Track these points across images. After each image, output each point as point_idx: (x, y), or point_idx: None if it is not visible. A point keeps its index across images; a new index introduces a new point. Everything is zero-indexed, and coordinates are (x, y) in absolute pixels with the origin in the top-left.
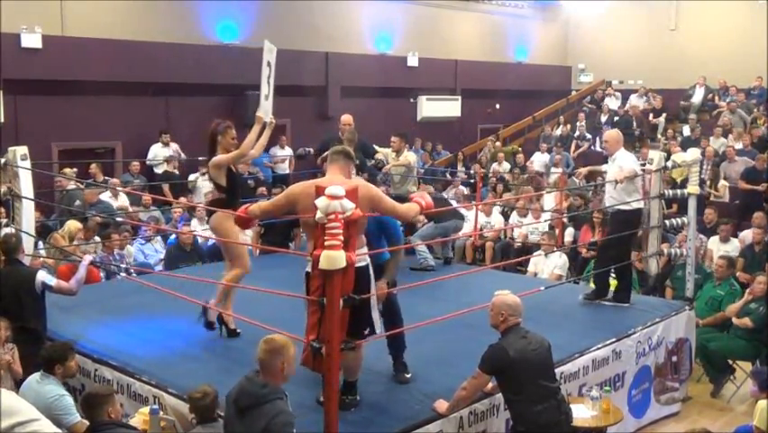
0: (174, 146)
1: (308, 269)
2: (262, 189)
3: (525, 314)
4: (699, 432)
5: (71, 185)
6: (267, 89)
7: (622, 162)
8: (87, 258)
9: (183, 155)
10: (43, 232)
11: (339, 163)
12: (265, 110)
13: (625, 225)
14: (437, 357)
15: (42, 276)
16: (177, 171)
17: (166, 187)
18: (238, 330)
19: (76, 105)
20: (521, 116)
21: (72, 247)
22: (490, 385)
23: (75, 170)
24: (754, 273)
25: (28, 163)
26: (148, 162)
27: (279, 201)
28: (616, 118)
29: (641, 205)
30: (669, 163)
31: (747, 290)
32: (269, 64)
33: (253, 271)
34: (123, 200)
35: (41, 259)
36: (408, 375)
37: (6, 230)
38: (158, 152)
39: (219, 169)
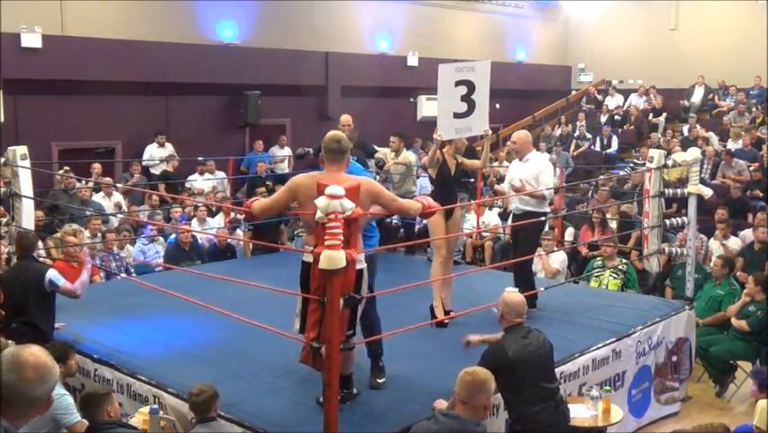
0: (169, 147)
1: (306, 258)
2: (262, 190)
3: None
4: (718, 428)
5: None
6: (464, 108)
7: (536, 166)
8: (88, 263)
9: (176, 156)
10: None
11: (335, 159)
12: (460, 128)
13: (534, 228)
14: (437, 356)
15: (51, 274)
16: (173, 171)
17: (162, 187)
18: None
19: (76, 105)
20: (521, 116)
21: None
22: None
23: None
24: (753, 273)
25: (28, 163)
26: (144, 163)
27: (281, 195)
28: (616, 117)
29: (547, 209)
30: (669, 162)
31: (744, 292)
32: (466, 83)
33: (248, 272)
34: (117, 199)
35: (42, 259)
36: (382, 381)
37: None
38: (153, 152)
39: (430, 168)
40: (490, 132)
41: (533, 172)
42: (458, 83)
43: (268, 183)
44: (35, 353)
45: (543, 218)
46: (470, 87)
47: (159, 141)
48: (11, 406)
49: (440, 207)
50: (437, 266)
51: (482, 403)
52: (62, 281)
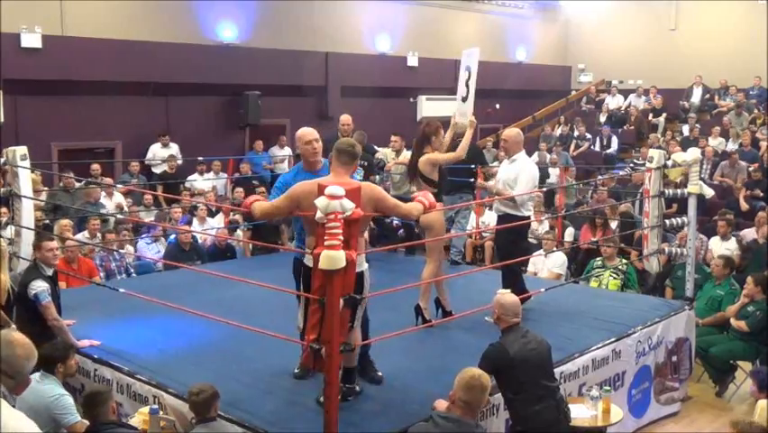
0: (174, 147)
1: (306, 261)
2: (262, 189)
3: (525, 314)
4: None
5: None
6: (465, 92)
7: (522, 167)
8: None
9: (180, 157)
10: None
11: (344, 162)
12: (461, 112)
13: (512, 231)
14: (437, 356)
15: (36, 287)
16: (173, 171)
17: (161, 188)
18: (430, 320)
19: (76, 105)
20: (521, 116)
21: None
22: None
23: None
24: (752, 274)
25: (27, 163)
26: (146, 162)
27: (282, 202)
28: (614, 119)
29: (526, 213)
30: (669, 162)
31: (743, 293)
32: (468, 69)
33: (248, 272)
34: (119, 199)
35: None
36: (380, 373)
37: (7, 230)
38: (157, 152)
39: (434, 166)
40: (474, 120)
41: (514, 174)
42: (467, 68)
43: (255, 182)
44: (17, 335)
45: (521, 222)
46: (470, 72)
47: (163, 141)
48: (7, 378)
49: (443, 207)
50: (434, 269)
51: (481, 403)
52: (45, 301)
